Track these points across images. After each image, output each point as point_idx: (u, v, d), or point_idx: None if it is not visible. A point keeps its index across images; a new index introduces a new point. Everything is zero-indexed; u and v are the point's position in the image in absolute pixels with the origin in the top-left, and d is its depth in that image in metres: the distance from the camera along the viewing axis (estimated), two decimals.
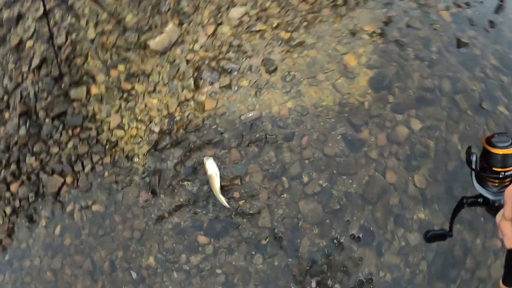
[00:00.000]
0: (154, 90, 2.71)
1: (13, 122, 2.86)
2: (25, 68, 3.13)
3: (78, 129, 2.67)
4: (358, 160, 2.37)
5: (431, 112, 2.56)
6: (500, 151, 0.53)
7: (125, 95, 2.72)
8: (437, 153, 2.44)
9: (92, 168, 2.54)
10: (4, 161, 2.75)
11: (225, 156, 2.40)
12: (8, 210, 2.61)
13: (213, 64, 2.78)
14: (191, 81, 2.67)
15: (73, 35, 3.16)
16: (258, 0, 3.14)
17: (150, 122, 2.59)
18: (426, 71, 2.74)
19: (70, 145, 2.64)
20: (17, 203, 2.61)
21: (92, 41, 3.08)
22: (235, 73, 2.71)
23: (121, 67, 2.84)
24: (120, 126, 2.61)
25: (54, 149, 2.66)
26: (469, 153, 0.60)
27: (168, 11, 3.16)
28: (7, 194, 2.65)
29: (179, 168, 2.40)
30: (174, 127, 2.55)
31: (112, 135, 2.59)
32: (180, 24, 3.05)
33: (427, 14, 3.11)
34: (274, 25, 2.98)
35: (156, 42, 2.85)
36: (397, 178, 2.30)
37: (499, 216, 0.50)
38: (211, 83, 2.67)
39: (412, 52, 2.87)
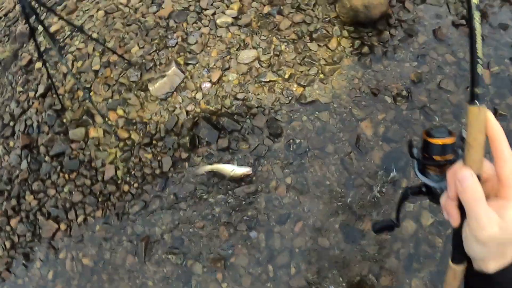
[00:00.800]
0: (150, 143, 2.53)
1: (16, 152, 2.81)
2: (31, 94, 3.02)
3: (74, 174, 2.58)
4: (354, 255, 2.14)
5: None
6: (440, 141, 0.55)
7: (121, 144, 2.56)
8: (445, 255, 2.15)
9: (85, 219, 2.48)
10: (6, 193, 2.75)
11: (212, 231, 2.24)
12: (8, 244, 2.65)
13: (213, 119, 2.52)
14: (188, 139, 2.45)
15: (79, 63, 2.97)
16: (273, 41, 2.77)
17: (143, 180, 2.45)
18: None
19: (66, 189, 2.57)
20: (16, 239, 2.64)
21: (96, 72, 2.88)
22: (236, 133, 2.45)
23: (120, 111, 2.66)
24: (113, 179, 2.49)
25: (51, 191, 2.61)
26: (410, 145, 0.60)
27: (175, 46, 2.87)
28: (7, 228, 2.68)
29: (166, 237, 2.29)
30: (166, 190, 2.40)
31: (105, 187, 2.49)
32: (185, 64, 2.77)
33: (463, 73, 2.63)
34: (287, 75, 2.64)
35: (156, 88, 2.61)
36: (392, 283, 2.06)
37: (443, 197, 0.52)
38: (208, 144, 2.44)
39: (438, 124, 2.46)
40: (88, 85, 2.83)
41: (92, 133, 2.65)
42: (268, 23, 2.88)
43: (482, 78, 0.48)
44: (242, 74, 2.67)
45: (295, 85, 2.60)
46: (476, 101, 0.48)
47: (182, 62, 2.78)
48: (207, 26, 3.01)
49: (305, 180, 2.30)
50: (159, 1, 3.23)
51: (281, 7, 2.95)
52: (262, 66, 2.69)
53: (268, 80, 2.62)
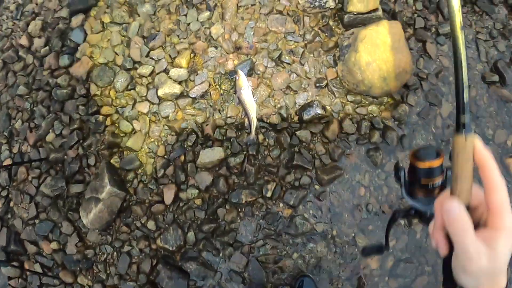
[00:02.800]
0: None
1: None
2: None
3: None
4: None
5: None
6: (427, 164, 0.48)
7: None
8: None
9: None
10: None
11: None
12: None
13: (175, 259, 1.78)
14: None
15: None
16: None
17: None
18: None
19: None
20: None
21: None
22: (210, 281, 1.77)
23: None
24: None
25: None
26: (397, 168, 0.53)
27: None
28: None
29: None
30: None
31: None
32: None
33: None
34: (269, 193, 1.80)
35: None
36: None
37: (431, 226, 0.48)
38: None
39: None
40: None
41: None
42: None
43: (468, 105, 0.45)
44: (205, 191, 1.79)
45: (281, 205, 1.80)
46: (463, 129, 0.44)
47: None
48: (144, 98, 1.88)
49: None
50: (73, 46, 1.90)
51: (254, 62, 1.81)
52: (233, 177, 1.79)
53: (244, 201, 1.78)
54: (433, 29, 2.19)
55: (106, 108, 1.97)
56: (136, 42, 1.99)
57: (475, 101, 2.04)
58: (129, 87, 1.95)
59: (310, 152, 1.82)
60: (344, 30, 1.96)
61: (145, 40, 1.99)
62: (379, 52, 1.67)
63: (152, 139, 1.88)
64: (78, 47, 2.09)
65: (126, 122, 1.89)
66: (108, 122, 1.95)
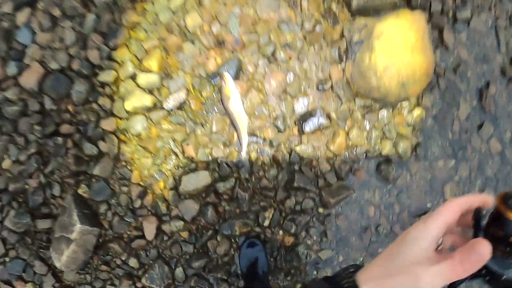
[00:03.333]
0: None
1: None
2: None
3: None
4: None
5: None
6: None
7: None
8: None
9: None
10: None
11: None
12: None
13: None
14: None
15: None
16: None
17: None
18: None
19: None
20: None
21: None
22: None
23: None
24: None
25: None
26: (478, 216, 0.40)
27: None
28: None
29: None
30: None
31: None
32: None
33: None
34: (266, 222, 1.53)
35: None
36: None
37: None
38: None
39: None
40: None
41: None
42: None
43: None
44: (191, 222, 1.49)
45: (281, 234, 1.53)
46: None
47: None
48: (109, 112, 1.50)
49: None
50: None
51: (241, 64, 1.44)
52: (223, 204, 1.49)
53: (238, 232, 1.50)
54: (450, 14, 1.80)
55: (65, 126, 1.59)
56: (94, 40, 1.56)
57: (493, 99, 1.72)
58: (90, 99, 1.56)
59: (313, 171, 1.51)
60: (351, 16, 1.56)
61: (104, 37, 1.56)
62: (399, 53, 1.30)
63: (123, 163, 1.53)
64: (26, 50, 1.65)
65: (89, 144, 1.53)
66: (69, 144, 1.58)
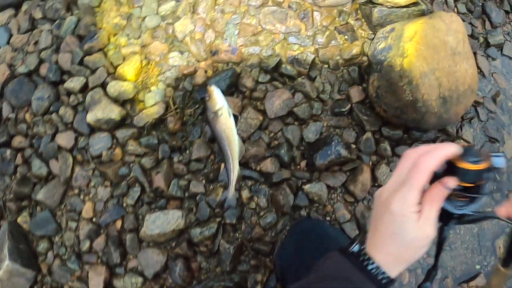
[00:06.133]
0: None
1: None
2: None
3: None
4: None
5: None
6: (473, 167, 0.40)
7: None
8: None
9: None
10: None
11: None
12: None
13: None
14: None
15: None
16: None
17: None
18: None
19: None
20: None
21: None
22: None
23: None
24: None
25: None
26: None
27: None
28: None
29: None
30: None
31: None
32: None
33: None
34: None
35: None
36: None
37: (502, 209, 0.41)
38: None
39: None
40: None
41: None
42: None
43: None
44: (153, 280, 0.94)
45: None
46: None
47: None
48: (69, 125, 1.04)
49: None
50: None
51: None
52: (198, 259, 0.94)
53: None
54: (481, 39, 1.40)
55: (18, 138, 1.16)
56: (68, 43, 1.18)
57: None
58: (51, 109, 1.13)
59: (326, 218, 0.98)
60: (371, 32, 1.17)
61: (81, 40, 1.19)
62: (438, 57, 0.87)
63: (75, 191, 1.05)
64: None
65: (39, 162, 1.07)
66: (19, 159, 1.13)
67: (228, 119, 0.92)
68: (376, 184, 1.04)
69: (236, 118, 1.00)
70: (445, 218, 0.41)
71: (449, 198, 0.39)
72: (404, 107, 0.96)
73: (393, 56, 0.94)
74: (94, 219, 1.03)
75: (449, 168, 0.38)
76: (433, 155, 0.37)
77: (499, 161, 0.38)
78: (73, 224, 1.05)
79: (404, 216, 0.37)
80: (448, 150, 0.38)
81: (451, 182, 0.37)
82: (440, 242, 0.46)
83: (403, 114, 0.97)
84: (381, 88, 0.97)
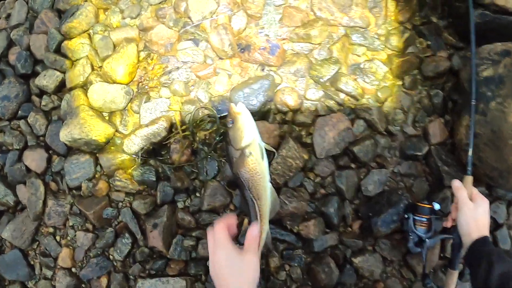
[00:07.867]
0: None
1: None
2: None
3: None
4: None
5: None
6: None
7: None
8: None
9: None
10: None
11: None
12: None
13: None
14: None
15: None
16: None
17: None
18: None
19: None
20: None
21: None
22: None
23: None
24: None
25: None
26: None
27: None
28: None
29: None
30: None
31: None
32: None
33: None
34: None
35: None
36: None
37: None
38: None
39: None
40: None
41: None
42: None
43: None
44: None
45: None
46: None
47: None
48: (41, 140, 0.69)
49: None
50: None
51: None
52: None
53: None
54: None
55: None
56: (44, 20, 0.79)
57: None
58: (20, 113, 0.79)
59: None
60: (459, 41, 0.74)
61: (60, 16, 0.80)
62: None
63: (50, 229, 0.74)
64: None
65: (4, 188, 0.77)
66: None
67: (259, 162, 0.56)
68: (442, 255, 0.71)
69: (270, 155, 0.64)
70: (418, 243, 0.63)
71: (416, 228, 0.63)
72: (506, 172, 0.58)
73: (506, 97, 0.54)
74: (73, 270, 0.74)
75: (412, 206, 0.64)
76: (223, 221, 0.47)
77: (437, 205, 0.62)
78: (48, 272, 0.76)
79: (228, 260, 0.46)
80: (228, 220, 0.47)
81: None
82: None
83: (502, 179, 0.59)
84: (480, 137, 0.59)
